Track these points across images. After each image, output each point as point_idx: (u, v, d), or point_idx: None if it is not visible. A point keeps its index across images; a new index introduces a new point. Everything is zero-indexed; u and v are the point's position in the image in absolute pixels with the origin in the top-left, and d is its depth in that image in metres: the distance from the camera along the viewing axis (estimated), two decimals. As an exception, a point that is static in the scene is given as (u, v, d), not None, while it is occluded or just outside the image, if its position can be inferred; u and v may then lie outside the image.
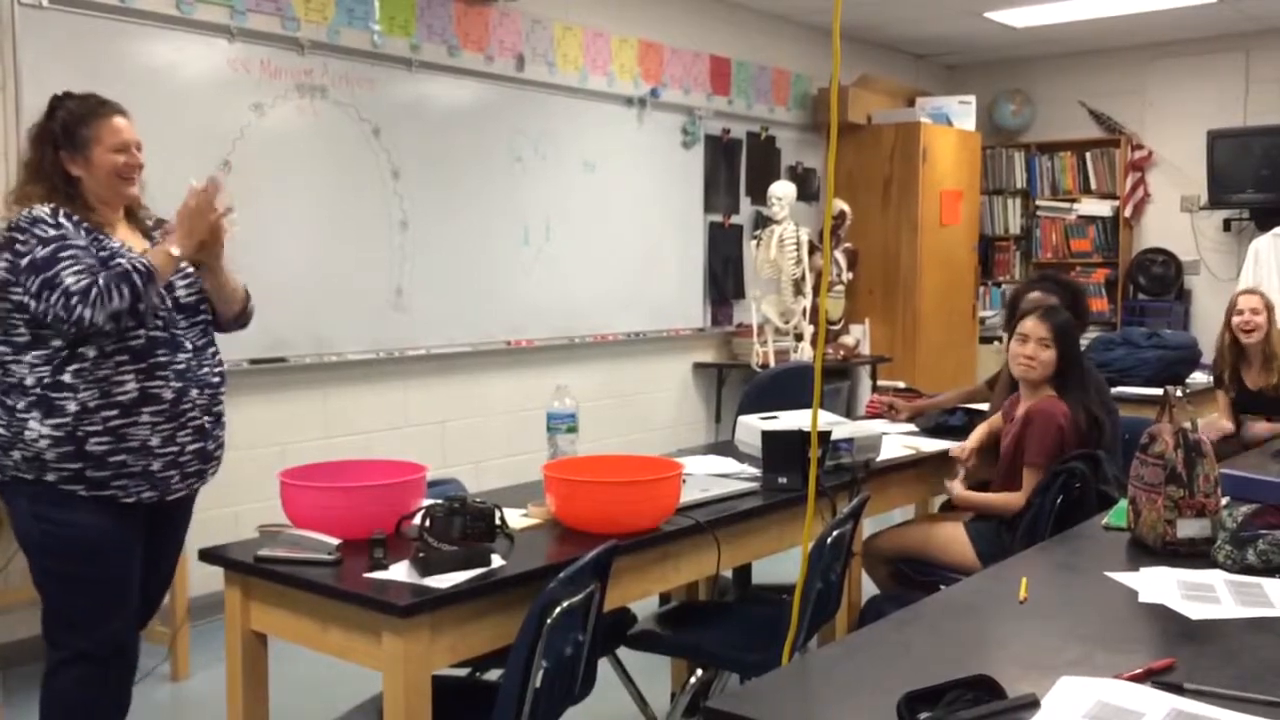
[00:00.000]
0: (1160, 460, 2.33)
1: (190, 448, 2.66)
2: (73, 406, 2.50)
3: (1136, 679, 1.58)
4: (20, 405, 2.52)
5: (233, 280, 2.79)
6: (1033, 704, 1.46)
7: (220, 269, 2.74)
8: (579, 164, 5.80)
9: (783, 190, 6.29)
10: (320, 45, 4.68)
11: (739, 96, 6.77)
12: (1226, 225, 7.74)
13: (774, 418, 3.45)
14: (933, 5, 6.82)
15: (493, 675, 2.63)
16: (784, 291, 6.26)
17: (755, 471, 3.10)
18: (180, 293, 2.70)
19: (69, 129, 2.60)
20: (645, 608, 3.09)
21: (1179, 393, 2.43)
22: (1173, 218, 7.97)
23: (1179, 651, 1.71)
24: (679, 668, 3.45)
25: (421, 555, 2.22)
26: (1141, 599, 2.01)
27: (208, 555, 2.43)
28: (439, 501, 2.35)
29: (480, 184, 5.33)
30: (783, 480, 2.95)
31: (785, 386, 4.32)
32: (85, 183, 2.60)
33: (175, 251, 2.57)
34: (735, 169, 6.78)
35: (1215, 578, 2.11)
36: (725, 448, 3.60)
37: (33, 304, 2.46)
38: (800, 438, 2.95)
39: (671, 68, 6.31)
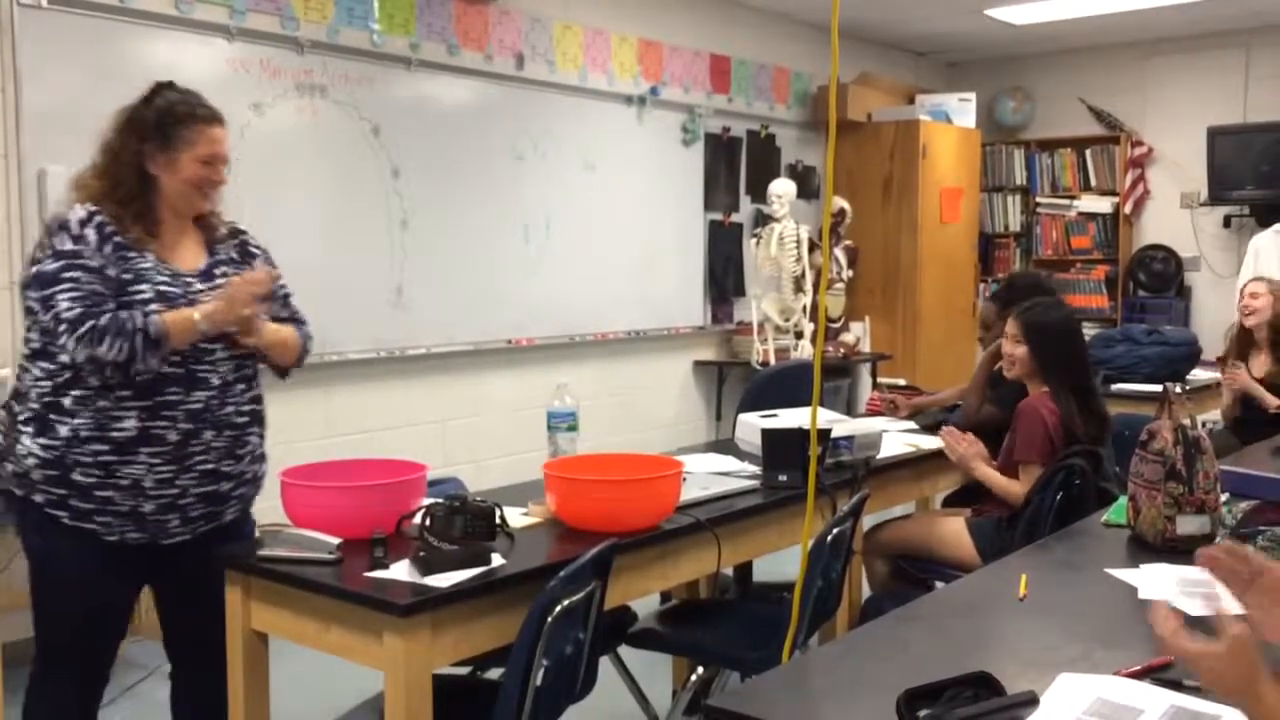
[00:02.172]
0: (1160, 457, 2.34)
1: (195, 490, 2.45)
2: (65, 431, 2.34)
3: (1136, 675, 1.59)
4: (21, 415, 2.40)
5: (278, 338, 2.57)
6: (1032, 701, 1.46)
7: (258, 343, 2.50)
8: (579, 162, 5.80)
9: (783, 188, 6.29)
10: (319, 45, 4.68)
11: (739, 94, 6.77)
12: (1227, 222, 7.74)
13: (774, 415, 3.45)
14: (933, 3, 6.82)
15: (494, 674, 2.63)
16: (784, 289, 6.26)
17: (755, 469, 3.10)
18: None
19: (164, 123, 2.40)
20: (646, 606, 3.09)
21: (1179, 389, 2.44)
22: (1173, 214, 7.97)
23: (1178, 648, 1.71)
24: (680, 666, 3.45)
25: (422, 554, 2.22)
26: (1141, 596, 2.01)
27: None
28: (439, 500, 2.35)
29: (480, 183, 5.33)
30: (783, 478, 2.95)
31: (785, 384, 4.32)
32: (161, 184, 2.42)
33: (201, 324, 2.35)
34: (735, 167, 6.78)
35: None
36: (726, 446, 3.60)
37: (38, 313, 2.33)
38: (800, 435, 2.96)
39: (671, 66, 6.30)
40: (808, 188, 7.19)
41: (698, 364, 6.68)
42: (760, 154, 6.93)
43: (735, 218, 6.79)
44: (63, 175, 3.94)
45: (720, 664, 2.98)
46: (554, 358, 5.75)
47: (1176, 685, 1.54)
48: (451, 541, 2.26)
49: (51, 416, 2.36)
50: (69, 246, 2.33)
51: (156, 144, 2.40)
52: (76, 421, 2.34)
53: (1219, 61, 7.65)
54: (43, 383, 2.37)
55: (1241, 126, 7.41)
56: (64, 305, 2.27)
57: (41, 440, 2.36)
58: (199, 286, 2.46)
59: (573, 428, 2.97)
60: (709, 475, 3.07)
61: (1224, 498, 2.38)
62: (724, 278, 6.72)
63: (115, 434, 2.35)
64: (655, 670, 3.42)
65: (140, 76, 4.14)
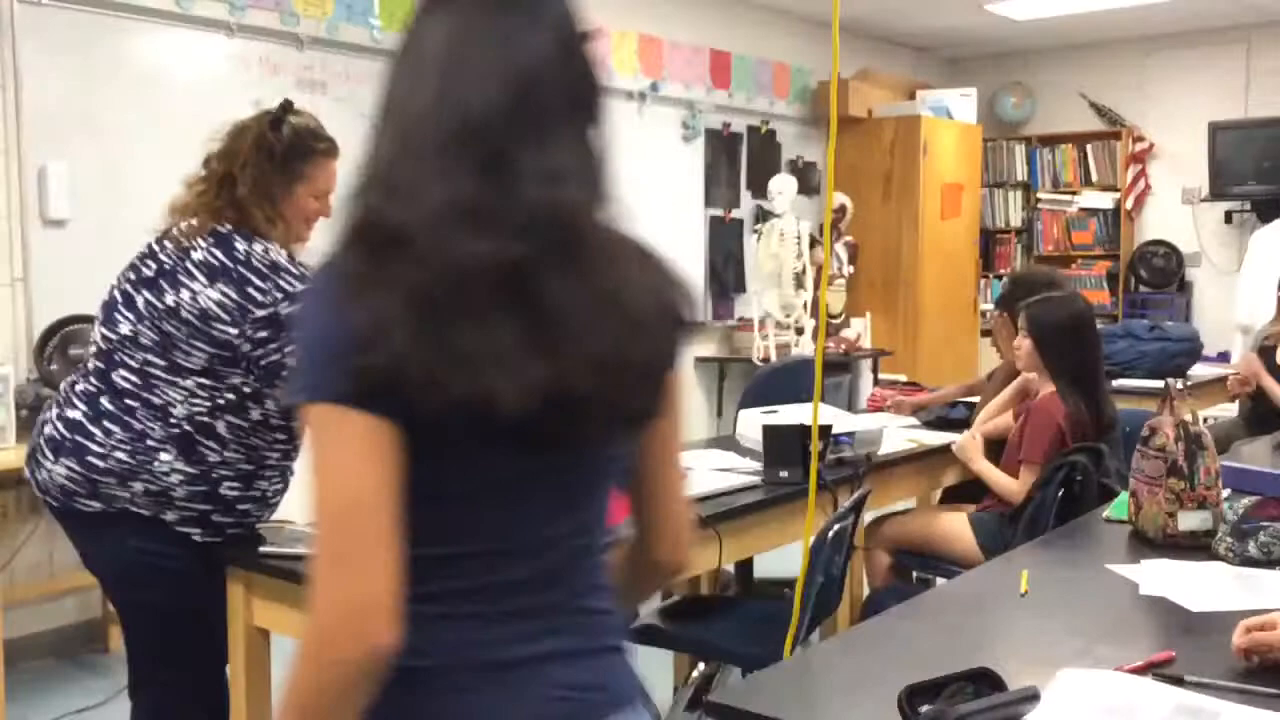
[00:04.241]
0: (1161, 453, 2.34)
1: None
2: (214, 457, 2.29)
3: (1137, 671, 1.58)
4: (156, 434, 2.25)
5: None
6: (1033, 697, 1.46)
7: None
8: (579, 159, 5.79)
9: (783, 184, 6.29)
10: (319, 41, 4.68)
11: (739, 90, 6.77)
12: (1228, 217, 7.74)
13: (775, 412, 3.45)
14: (933, -2, 6.82)
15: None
16: (785, 285, 6.26)
17: (757, 466, 3.09)
18: None
19: (289, 154, 2.35)
20: (647, 602, 3.09)
21: (1180, 385, 2.43)
22: (1174, 210, 7.96)
23: (1180, 644, 1.71)
24: (681, 662, 3.45)
25: (423, 551, 2.21)
26: (1142, 591, 2.01)
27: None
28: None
29: (481, 179, 5.32)
30: (784, 474, 2.95)
31: (786, 380, 4.32)
32: (280, 210, 2.36)
33: None
34: (736, 163, 6.77)
35: (1216, 570, 2.11)
36: (727, 442, 3.60)
37: (260, 352, 2.23)
38: (801, 432, 2.95)
39: (671, 62, 6.30)
40: (808, 184, 7.18)
41: (699, 360, 6.67)
42: (761, 150, 6.93)
43: (736, 214, 6.78)
44: (63, 172, 3.96)
45: (722, 660, 2.98)
46: (555, 354, 5.74)
47: (1178, 681, 1.54)
48: (452, 538, 2.25)
49: (199, 439, 2.27)
50: (299, 286, 2.24)
51: (278, 173, 2.34)
52: (228, 453, 2.30)
53: (1220, 57, 7.64)
54: (197, 402, 2.26)
55: (1243, 122, 7.40)
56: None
57: (188, 458, 2.27)
58: None
59: (574, 424, 2.96)
60: (710, 472, 3.07)
61: (1225, 493, 2.38)
62: (725, 274, 6.71)
63: (256, 460, 2.36)
64: (656, 666, 3.42)
65: (140, 73, 4.18)
